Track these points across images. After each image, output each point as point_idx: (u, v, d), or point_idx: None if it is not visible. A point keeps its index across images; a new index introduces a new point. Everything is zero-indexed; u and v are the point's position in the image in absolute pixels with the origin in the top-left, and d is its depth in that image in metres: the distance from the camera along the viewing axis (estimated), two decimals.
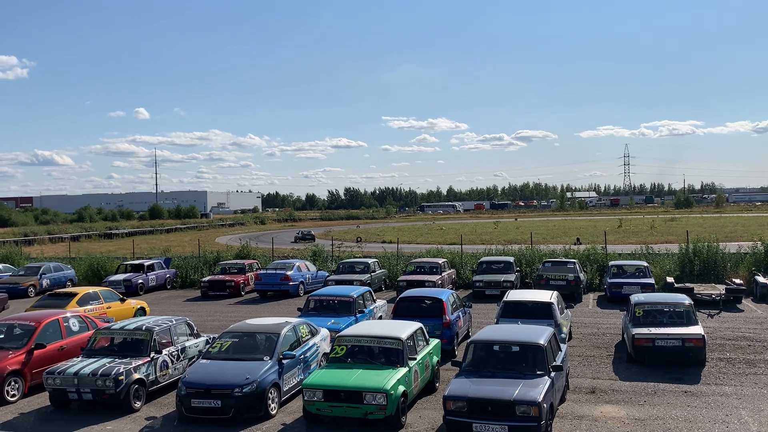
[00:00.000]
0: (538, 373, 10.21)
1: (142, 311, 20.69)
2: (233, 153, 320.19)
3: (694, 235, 29.58)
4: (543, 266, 24.69)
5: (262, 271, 26.92)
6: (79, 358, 12.47)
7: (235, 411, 10.91)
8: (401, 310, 15.53)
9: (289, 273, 25.96)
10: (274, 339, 12.22)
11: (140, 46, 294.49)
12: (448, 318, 15.19)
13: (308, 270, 27.42)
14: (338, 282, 24.43)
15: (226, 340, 12.49)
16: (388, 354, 11.31)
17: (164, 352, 12.82)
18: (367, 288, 18.69)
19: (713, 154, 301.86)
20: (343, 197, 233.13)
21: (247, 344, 12.38)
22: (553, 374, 10.31)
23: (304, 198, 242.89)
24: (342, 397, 10.42)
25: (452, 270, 27.02)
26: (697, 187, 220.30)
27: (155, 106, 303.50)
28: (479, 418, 9.47)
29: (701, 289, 21.79)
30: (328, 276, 26.90)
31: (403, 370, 10.98)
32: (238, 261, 29.54)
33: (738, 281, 22.46)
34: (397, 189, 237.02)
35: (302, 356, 12.68)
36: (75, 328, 14.63)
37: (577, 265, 24.33)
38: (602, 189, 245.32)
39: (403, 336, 11.57)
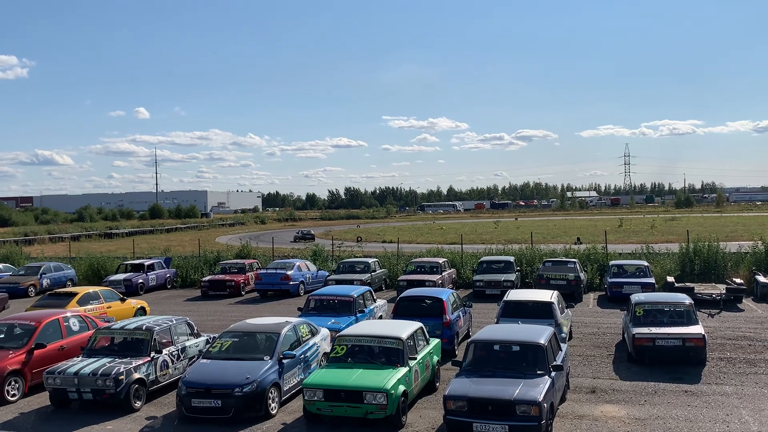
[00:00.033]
0: (539, 372, 10.21)
1: (142, 311, 20.70)
2: (233, 152, 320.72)
3: (695, 234, 29.59)
4: (543, 266, 24.69)
5: (262, 271, 26.92)
6: (80, 358, 12.47)
7: (236, 411, 10.91)
8: (401, 310, 15.53)
9: (289, 273, 25.97)
10: (275, 339, 12.22)
11: (140, 46, 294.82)
12: (448, 317, 15.19)
13: (308, 270, 27.42)
14: (338, 282, 24.45)
15: (227, 340, 12.49)
16: (389, 354, 11.31)
17: (164, 351, 12.82)
18: (367, 288, 18.69)
19: (714, 154, 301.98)
20: (343, 197, 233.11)
21: (247, 344, 12.38)
22: (553, 374, 10.31)
23: (304, 198, 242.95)
24: (342, 397, 10.42)
25: (452, 270, 27.02)
26: (698, 186, 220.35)
27: (155, 105, 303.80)
28: (480, 417, 9.47)
29: (702, 288, 21.78)
30: (328, 276, 26.91)
31: (403, 370, 10.98)
32: (239, 261, 29.55)
33: (738, 281, 22.46)
34: (397, 189, 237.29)
35: (302, 356, 12.68)
36: (75, 328, 14.63)
37: (578, 265, 24.34)
38: (603, 188, 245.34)
39: (404, 336, 11.57)
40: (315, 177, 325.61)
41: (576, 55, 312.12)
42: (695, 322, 14.39)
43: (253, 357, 11.86)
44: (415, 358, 11.60)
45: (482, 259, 26.44)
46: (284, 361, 11.91)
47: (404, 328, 12.01)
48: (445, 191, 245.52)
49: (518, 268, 26.05)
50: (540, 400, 9.38)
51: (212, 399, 10.93)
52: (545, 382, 9.92)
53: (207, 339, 14.28)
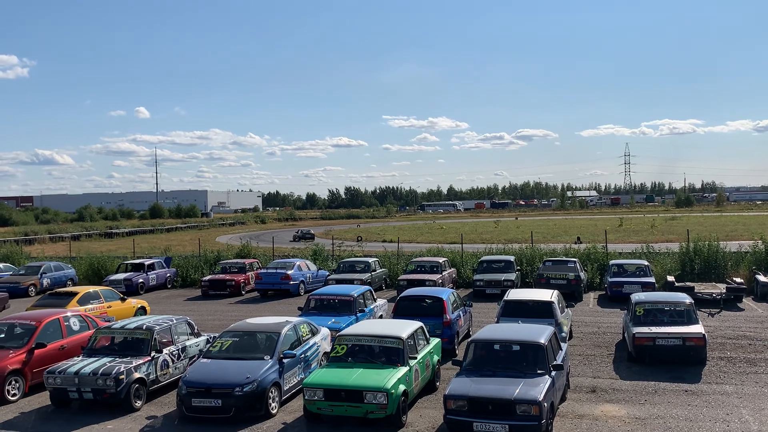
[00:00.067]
0: (539, 372, 10.21)
1: (142, 310, 20.70)
2: (234, 152, 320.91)
3: (695, 234, 29.58)
4: (543, 265, 24.69)
5: (262, 271, 26.92)
6: (80, 358, 12.47)
7: (236, 410, 10.92)
8: (402, 309, 15.53)
9: (289, 272, 25.97)
10: (275, 338, 12.22)
11: (140, 46, 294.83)
12: (448, 317, 15.18)
13: (309, 269, 27.42)
14: (339, 281, 24.45)
15: (227, 340, 12.49)
16: (389, 353, 11.31)
17: (165, 351, 12.82)
18: (367, 287, 18.68)
19: (714, 153, 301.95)
20: (343, 196, 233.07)
21: (247, 343, 12.38)
22: (553, 373, 10.31)
23: (304, 197, 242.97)
24: (342, 397, 10.42)
25: (453, 269, 27.03)
26: (698, 185, 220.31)
27: (156, 105, 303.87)
28: (480, 417, 9.47)
29: (702, 288, 21.79)
30: (328, 275, 26.91)
31: (403, 370, 10.98)
32: (239, 260, 29.55)
33: (739, 280, 22.46)
34: (397, 188, 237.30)
35: (303, 355, 12.68)
36: (75, 328, 14.63)
37: (578, 264, 24.34)
38: (603, 188, 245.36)
39: (404, 335, 11.57)
40: (315, 176, 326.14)
41: (576, 54, 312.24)
42: (695, 322, 14.39)
43: (253, 356, 11.86)
44: (416, 358, 11.61)
45: (482, 258, 26.43)
46: (284, 360, 11.91)
47: (404, 328, 12.02)
48: (445, 191, 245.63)
49: (518, 267, 26.04)
50: (540, 399, 9.38)
51: (213, 398, 10.93)
52: (545, 382, 9.92)
53: (207, 338, 14.28)
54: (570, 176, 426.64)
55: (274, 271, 26.26)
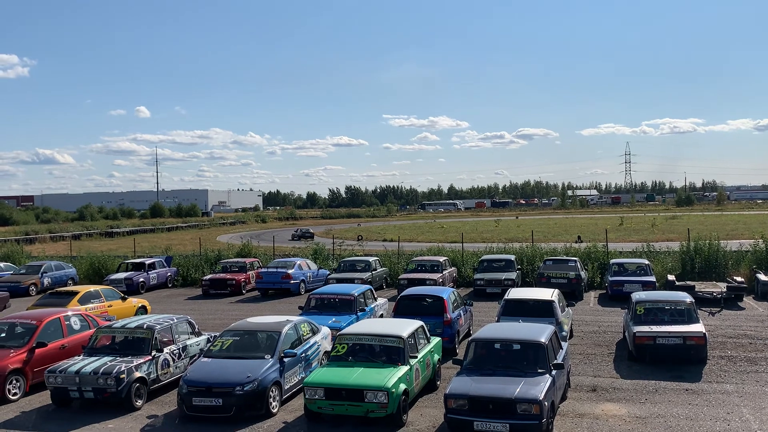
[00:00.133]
0: (539, 371, 10.21)
1: (143, 310, 20.70)
2: (234, 151, 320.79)
3: (696, 233, 29.56)
4: (544, 264, 24.69)
5: (263, 270, 26.93)
6: (81, 357, 12.47)
7: (237, 409, 10.92)
8: (402, 309, 15.53)
9: (290, 271, 25.98)
10: (276, 337, 12.23)
11: (141, 45, 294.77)
12: (449, 316, 15.19)
13: (309, 268, 27.43)
14: (339, 280, 24.45)
15: (228, 339, 12.49)
16: (390, 352, 11.31)
17: (165, 350, 12.82)
18: (368, 286, 18.67)
19: (714, 152, 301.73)
20: (344, 195, 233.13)
21: (248, 342, 12.38)
22: (554, 372, 10.31)
23: (305, 196, 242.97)
24: (343, 396, 10.42)
25: (453, 268, 27.03)
26: (699, 185, 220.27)
27: (156, 104, 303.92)
28: (480, 416, 9.48)
29: (702, 287, 21.79)
30: (329, 274, 26.91)
31: (404, 369, 10.98)
32: (239, 259, 29.56)
33: (739, 279, 22.45)
34: (398, 187, 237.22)
35: (303, 355, 12.68)
36: (76, 327, 14.64)
37: (578, 263, 24.33)
38: (603, 187, 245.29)
39: (404, 334, 11.58)
40: (316, 176, 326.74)
41: (576, 53, 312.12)
42: (696, 321, 14.39)
43: (254, 356, 11.86)
44: (416, 357, 11.61)
45: (483, 257, 26.43)
46: (285, 359, 11.91)
47: (405, 327, 12.02)
48: (445, 190, 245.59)
49: (519, 266, 26.05)
50: (541, 398, 9.38)
51: (213, 398, 10.94)
52: (546, 381, 9.92)
53: (208, 338, 14.28)
54: (570, 175, 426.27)
55: (275, 270, 26.27)
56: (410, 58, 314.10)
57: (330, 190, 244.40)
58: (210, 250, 34.63)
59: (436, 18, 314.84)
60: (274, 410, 11.36)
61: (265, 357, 11.78)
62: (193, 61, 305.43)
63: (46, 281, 29.02)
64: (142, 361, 12.18)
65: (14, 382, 12.73)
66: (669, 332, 13.89)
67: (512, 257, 25.87)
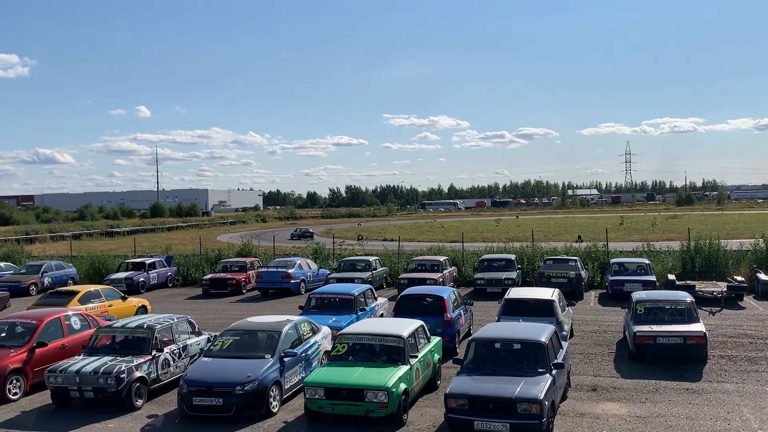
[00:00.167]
0: (540, 370, 10.20)
1: (143, 309, 20.70)
2: (234, 151, 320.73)
3: (696, 232, 29.55)
4: (544, 264, 24.68)
5: (263, 269, 26.92)
6: (81, 357, 12.47)
7: (237, 409, 10.92)
8: (402, 308, 15.52)
9: (290, 271, 25.98)
10: (276, 337, 12.22)
11: (141, 45, 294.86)
12: (449, 316, 15.18)
13: (309, 268, 27.44)
14: (339, 280, 24.44)
15: (228, 338, 12.49)
16: (390, 352, 11.31)
17: (166, 350, 12.82)
18: (368, 286, 18.67)
19: (715, 152, 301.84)
20: (344, 195, 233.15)
21: (248, 342, 12.38)
22: (554, 372, 10.31)
23: (305, 196, 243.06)
24: (343, 395, 10.42)
25: (453, 268, 27.02)
26: (699, 184, 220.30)
27: (156, 104, 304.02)
28: (481, 415, 9.47)
29: (703, 286, 21.79)
30: (329, 274, 26.91)
31: (404, 368, 10.98)
32: (240, 259, 29.55)
33: (739, 278, 22.44)
34: (398, 187, 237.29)
35: (304, 354, 12.68)
36: (76, 327, 14.63)
37: (579, 263, 24.33)
38: (604, 186, 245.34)
39: (405, 334, 11.57)
40: (316, 175, 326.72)
41: (576, 53, 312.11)
42: (696, 320, 14.39)
43: (254, 355, 11.86)
44: (416, 357, 11.61)
45: (483, 257, 26.41)
46: (285, 359, 11.91)
47: (405, 327, 12.01)
48: (446, 189, 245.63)
49: (519, 266, 26.04)
50: (541, 398, 9.38)
51: (213, 397, 10.94)
52: (546, 380, 9.92)
53: (208, 337, 14.28)
54: (571, 175, 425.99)
55: (275, 269, 26.27)
56: (410, 57, 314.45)
57: (330, 190, 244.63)
58: (210, 250, 34.63)
59: (436, 17, 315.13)
60: (275, 410, 11.36)
61: (266, 357, 11.77)
62: (193, 60, 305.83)
63: (47, 281, 29.02)
64: (142, 360, 12.18)
65: (14, 381, 12.73)
66: (669, 332, 13.88)
67: (512, 257, 25.86)
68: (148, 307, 21.20)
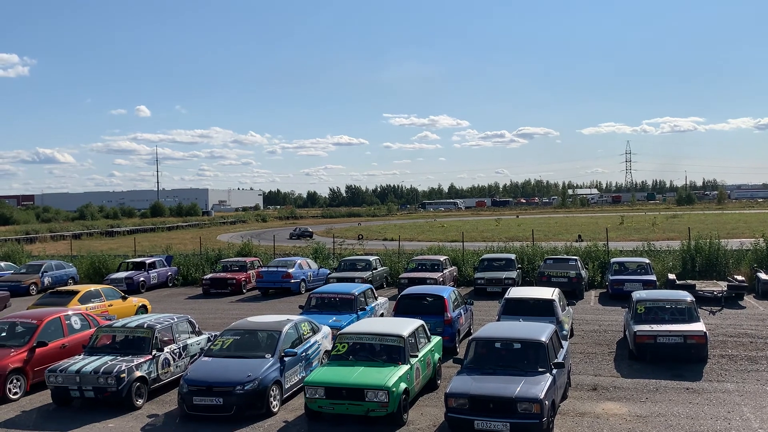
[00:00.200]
0: (540, 370, 10.20)
1: (143, 309, 20.71)
2: (234, 150, 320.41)
3: (696, 231, 29.55)
4: (544, 263, 24.68)
5: (263, 269, 26.92)
6: (81, 356, 12.48)
7: (237, 408, 10.92)
8: (403, 308, 15.52)
9: (290, 270, 25.98)
10: (276, 336, 12.23)
11: (141, 45, 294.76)
12: (449, 315, 15.18)
13: (310, 267, 27.44)
14: (340, 279, 24.44)
15: (228, 338, 12.49)
16: (390, 351, 11.31)
17: (166, 349, 12.82)
18: (368, 285, 18.67)
19: (715, 151, 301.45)
20: (344, 195, 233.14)
21: (248, 342, 12.38)
22: (554, 371, 10.31)
23: (305, 195, 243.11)
24: (344, 395, 10.42)
25: (454, 267, 27.02)
26: (699, 183, 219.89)
27: (156, 103, 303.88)
28: (481, 415, 9.48)
29: (703, 285, 21.79)
30: (329, 273, 26.91)
31: (404, 368, 10.98)
32: (240, 258, 29.56)
33: (740, 278, 22.45)
34: (398, 186, 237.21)
35: (304, 354, 12.68)
36: (77, 326, 14.64)
37: (579, 262, 24.33)
38: (604, 186, 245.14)
39: (405, 333, 11.57)
40: (316, 175, 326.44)
41: (577, 52, 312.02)
42: (697, 320, 14.39)
43: (254, 355, 11.86)
44: (417, 356, 11.61)
45: (483, 256, 26.41)
46: (286, 359, 11.91)
47: (405, 326, 12.01)
48: (446, 189, 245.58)
49: (519, 265, 26.05)
50: (541, 397, 9.38)
51: (214, 397, 10.94)
52: (546, 380, 9.92)
53: (208, 337, 14.28)
54: (571, 174, 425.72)
55: (275, 269, 26.27)
56: (410, 57, 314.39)
57: (330, 190, 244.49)
58: (210, 250, 34.65)
59: (436, 17, 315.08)
60: (275, 409, 11.36)
61: (266, 356, 11.77)
62: (193, 60, 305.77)
63: (47, 280, 29.02)
64: (142, 360, 12.18)
65: (15, 381, 12.73)
66: (670, 331, 13.88)
67: (513, 256, 25.87)
68: (149, 306, 21.21)
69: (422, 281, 22.73)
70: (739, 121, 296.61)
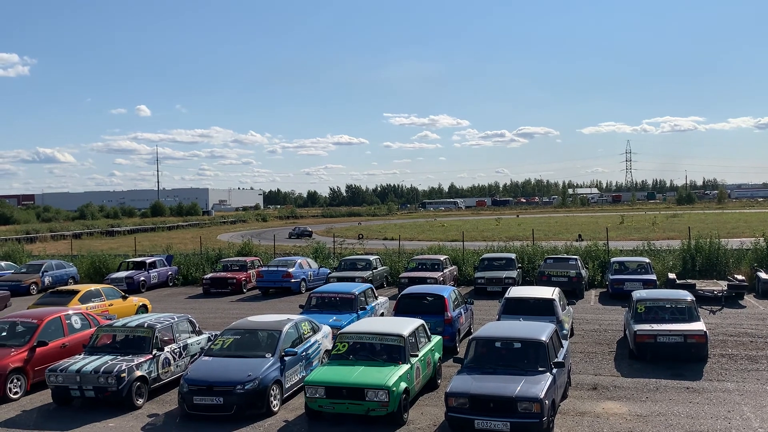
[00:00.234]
0: (540, 369, 10.21)
1: (144, 308, 20.71)
2: (235, 150, 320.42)
3: (696, 231, 29.55)
4: (545, 263, 24.69)
5: (263, 268, 26.93)
6: (82, 356, 12.48)
7: (237, 408, 10.93)
8: (403, 307, 15.52)
9: (290, 270, 25.98)
10: (276, 336, 12.23)
11: (141, 44, 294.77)
12: (449, 315, 15.18)
13: (310, 267, 27.45)
14: (340, 279, 24.44)
15: (228, 337, 12.49)
16: (390, 351, 11.31)
17: (166, 349, 12.82)
18: (368, 285, 18.68)
19: (715, 150, 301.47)
20: (344, 194, 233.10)
21: (249, 341, 12.39)
22: (554, 371, 10.31)
23: (305, 195, 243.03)
24: (344, 394, 10.42)
25: (454, 267, 27.03)
26: (699, 183, 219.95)
27: (157, 103, 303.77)
28: (481, 414, 9.48)
29: (703, 285, 21.79)
30: (329, 273, 26.91)
31: (405, 367, 10.98)
32: (240, 258, 29.57)
33: (740, 277, 22.45)
34: (398, 186, 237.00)
35: (304, 353, 12.69)
36: (77, 326, 14.64)
37: (579, 262, 24.34)
38: (604, 185, 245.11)
39: (405, 333, 11.57)
40: (316, 174, 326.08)
41: (577, 52, 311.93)
42: (697, 319, 14.39)
43: (254, 354, 11.87)
44: (417, 356, 11.61)
45: (483, 256, 26.41)
46: (286, 358, 11.91)
47: (406, 326, 12.02)
48: (446, 188, 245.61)
49: (519, 265, 26.05)
50: (541, 397, 9.38)
51: (214, 396, 10.95)
52: (547, 379, 9.92)
53: (209, 336, 14.28)
54: (571, 174, 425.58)
55: (276, 269, 26.27)
56: (411, 56, 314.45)
57: (331, 189, 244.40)
58: (211, 249, 34.68)
59: (436, 16, 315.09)
60: (275, 409, 11.37)
61: (266, 356, 11.78)
62: (193, 59, 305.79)
63: (47, 280, 29.03)
64: (142, 359, 12.19)
65: (15, 381, 12.74)
66: (670, 330, 13.88)
67: (513, 256, 25.88)
68: (149, 306, 21.22)
69: (422, 281, 22.74)
70: (739, 121, 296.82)
